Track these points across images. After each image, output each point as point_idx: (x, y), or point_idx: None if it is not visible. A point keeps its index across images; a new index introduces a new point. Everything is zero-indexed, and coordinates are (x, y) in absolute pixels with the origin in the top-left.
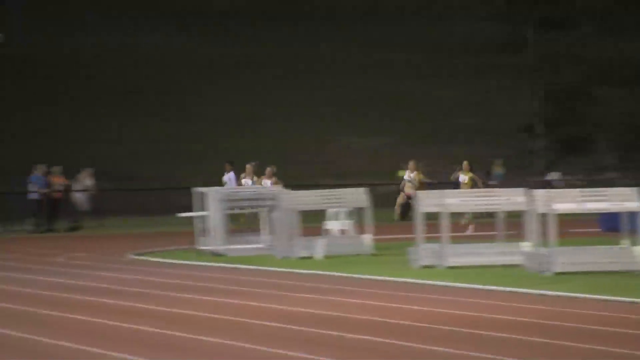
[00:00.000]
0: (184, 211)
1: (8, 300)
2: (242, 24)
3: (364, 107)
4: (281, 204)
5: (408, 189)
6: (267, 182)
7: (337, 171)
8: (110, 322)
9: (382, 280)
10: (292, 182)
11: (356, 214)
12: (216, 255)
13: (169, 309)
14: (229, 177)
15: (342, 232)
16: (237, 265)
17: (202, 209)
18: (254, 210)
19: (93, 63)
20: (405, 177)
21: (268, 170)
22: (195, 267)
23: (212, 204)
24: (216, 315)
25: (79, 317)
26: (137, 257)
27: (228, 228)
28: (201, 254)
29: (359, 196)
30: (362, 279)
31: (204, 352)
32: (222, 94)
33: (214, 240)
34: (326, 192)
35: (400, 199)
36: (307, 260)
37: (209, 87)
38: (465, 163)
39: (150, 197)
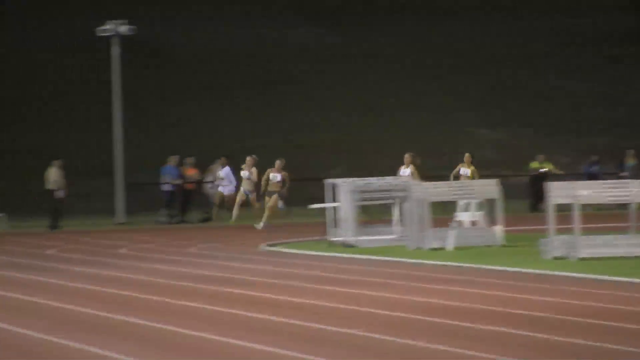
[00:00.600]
0: (316, 202)
1: (140, 290)
2: (374, 16)
3: (496, 99)
4: (412, 195)
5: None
6: (277, 175)
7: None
8: (240, 312)
9: (513, 272)
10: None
11: (487, 205)
12: (347, 247)
13: (300, 300)
14: (225, 171)
15: (473, 223)
16: (368, 256)
17: (334, 200)
18: (386, 201)
19: (225, 55)
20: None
21: (277, 163)
22: (327, 258)
23: (344, 195)
24: (347, 306)
25: (209, 307)
26: (269, 248)
27: (359, 219)
28: (332, 245)
29: (489, 187)
30: (493, 270)
31: (336, 343)
32: (354, 84)
33: (346, 231)
34: (457, 183)
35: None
36: (438, 251)
37: (342, 77)
38: (467, 155)
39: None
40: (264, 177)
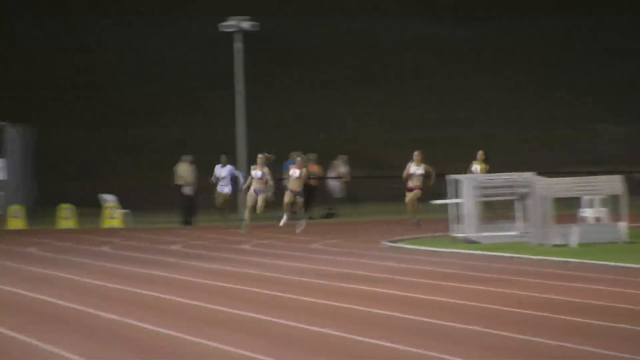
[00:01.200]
0: (438, 198)
1: (263, 285)
2: (487, 11)
3: (621, 94)
4: (535, 191)
5: None
6: (296, 171)
7: (592, 158)
8: (362, 308)
9: (637, 269)
10: (548, 169)
11: (611, 201)
12: (470, 243)
13: (421, 296)
14: (228, 169)
15: (597, 219)
16: (491, 252)
17: (456, 196)
18: (508, 197)
19: (347, 50)
20: None
21: (298, 160)
22: (449, 254)
23: (466, 191)
24: (468, 303)
25: (330, 303)
26: (391, 244)
27: (482, 215)
28: (455, 241)
29: (614, 183)
30: (617, 267)
31: (456, 339)
32: (478, 80)
33: (468, 227)
34: (581, 179)
35: None
36: (561, 247)
37: (465, 73)
38: (480, 153)
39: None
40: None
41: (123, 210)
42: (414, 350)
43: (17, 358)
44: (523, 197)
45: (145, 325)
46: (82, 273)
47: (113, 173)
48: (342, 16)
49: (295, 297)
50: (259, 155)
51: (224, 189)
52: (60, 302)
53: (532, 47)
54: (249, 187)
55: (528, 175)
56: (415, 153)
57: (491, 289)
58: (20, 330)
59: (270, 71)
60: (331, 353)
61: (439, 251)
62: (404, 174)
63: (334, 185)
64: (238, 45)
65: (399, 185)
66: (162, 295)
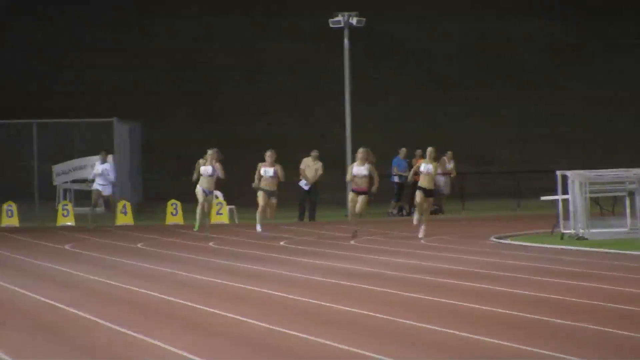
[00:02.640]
0: (545, 194)
1: (368, 281)
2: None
3: None
4: None
5: None
6: (269, 169)
7: None
8: (469, 305)
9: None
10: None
11: None
12: (578, 239)
13: (528, 292)
14: (104, 167)
15: None
16: (600, 249)
17: (564, 192)
18: (617, 194)
19: (454, 47)
20: None
21: (268, 155)
22: (557, 250)
23: (574, 187)
24: (578, 300)
25: (437, 299)
26: (498, 240)
27: (590, 211)
28: (563, 238)
29: None
30: None
31: (567, 336)
32: (590, 77)
33: (576, 223)
34: None
35: None
36: None
37: (575, 70)
38: (430, 150)
39: (509, 180)
40: (256, 173)
41: (229, 207)
42: (529, 348)
43: (127, 353)
44: (632, 193)
45: (253, 321)
46: (189, 269)
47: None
48: (453, 14)
49: (401, 293)
50: (209, 152)
51: (101, 187)
52: (169, 297)
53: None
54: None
55: (637, 171)
56: (360, 150)
57: (600, 285)
58: (129, 325)
59: (379, 68)
60: (444, 351)
61: (546, 247)
62: (348, 175)
63: (440, 181)
64: (346, 41)
65: (506, 182)
66: (270, 292)
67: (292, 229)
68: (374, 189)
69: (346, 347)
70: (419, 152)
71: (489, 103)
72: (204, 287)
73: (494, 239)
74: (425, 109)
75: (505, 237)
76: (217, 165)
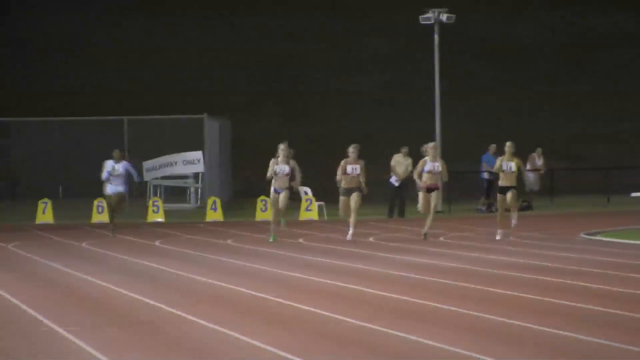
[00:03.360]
0: (636, 190)
1: (462, 278)
2: None
3: None
4: None
5: None
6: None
7: None
8: (560, 302)
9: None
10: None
11: None
12: None
13: (620, 289)
14: (122, 166)
15: None
16: None
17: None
18: None
19: (544, 44)
20: None
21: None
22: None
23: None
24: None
25: (529, 296)
26: (588, 236)
27: None
28: None
29: None
30: None
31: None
32: None
33: None
34: None
35: None
36: None
37: None
38: (509, 145)
39: (599, 176)
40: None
41: (318, 203)
42: (623, 346)
43: (220, 349)
44: None
45: (342, 317)
46: (279, 265)
47: (308, 166)
48: (544, 10)
49: (491, 289)
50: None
51: (118, 187)
52: (259, 294)
53: None
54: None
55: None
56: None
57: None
58: (221, 322)
59: (470, 65)
60: (536, 348)
61: (637, 244)
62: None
63: (530, 177)
64: (436, 38)
65: (595, 178)
66: (358, 287)
67: (381, 225)
68: (445, 178)
69: (434, 343)
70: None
71: (579, 99)
72: (294, 283)
73: (584, 235)
74: (515, 105)
75: (595, 234)
76: (293, 163)
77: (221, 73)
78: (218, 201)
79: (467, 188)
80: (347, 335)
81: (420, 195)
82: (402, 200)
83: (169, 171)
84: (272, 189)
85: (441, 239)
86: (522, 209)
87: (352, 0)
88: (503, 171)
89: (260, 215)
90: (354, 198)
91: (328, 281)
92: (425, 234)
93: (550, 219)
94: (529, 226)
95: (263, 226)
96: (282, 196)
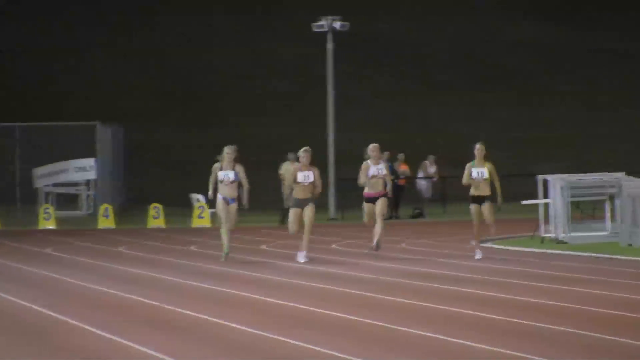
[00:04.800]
0: (527, 198)
1: (350, 285)
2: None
3: None
4: (624, 191)
5: None
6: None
7: None
8: (448, 308)
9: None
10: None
11: None
12: (559, 243)
13: (507, 296)
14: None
15: None
16: (580, 253)
17: (545, 197)
18: (597, 198)
19: (440, 51)
20: None
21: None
22: (537, 254)
23: (555, 191)
24: (555, 303)
25: (417, 302)
26: (479, 244)
27: (571, 215)
28: (544, 241)
29: None
30: None
31: (543, 338)
32: (577, 80)
33: (557, 227)
34: None
35: None
36: None
37: (563, 73)
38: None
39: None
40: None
41: (211, 210)
42: (502, 350)
43: (105, 356)
44: (612, 197)
45: (231, 324)
46: (170, 272)
47: (203, 173)
48: (444, 17)
49: (381, 296)
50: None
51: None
52: (148, 301)
53: (633, 46)
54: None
55: (617, 176)
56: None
57: (578, 289)
58: (109, 328)
59: (371, 72)
60: (419, 353)
61: (527, 251)
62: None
63: (423, 185)
64: (329, 45)
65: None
66: (250, 295)
67: (275, 232)
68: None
69: (321, 350)
70: (401, 156)
71: (474, 106)
72: (187, 290)
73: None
74: (414, 112)
75: (487, 241)
76: (240, 168)
77: (115, 79)
78: (110, 208)
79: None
80: (243, 343)
81: (364, 205)
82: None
83: (61, 178)
84: (219, 196)
85: (334, 246)
86: (413, 216)
87: (253, 5)
88: (473, 179)
89: (152, 222)
90: (308, 211)
91: (219, 288)
92: (377, 244)
93: (443, 227)
94: (421, 234)
95: (155, 234)
96: (233, 208)
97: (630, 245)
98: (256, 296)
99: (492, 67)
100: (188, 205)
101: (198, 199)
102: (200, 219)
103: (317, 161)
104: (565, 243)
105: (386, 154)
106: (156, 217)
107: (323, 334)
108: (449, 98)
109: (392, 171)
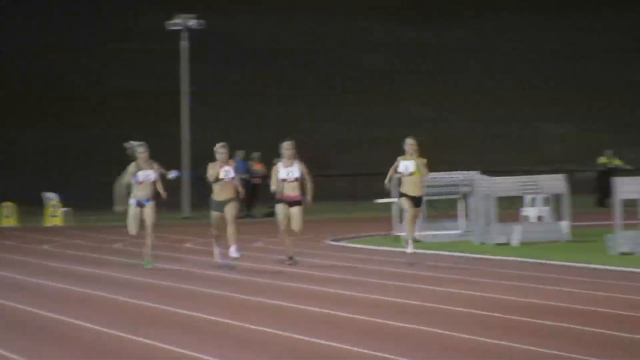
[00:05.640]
0: (383, 197)
1: (200, 284)
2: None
3: (566, 93)
4: (478, 190)
5: None
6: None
7: (537, 157)
8: (298, 306)
9: (578, 267)
10: (495, 168)
11: (553, 200)
12: (414, 242)
13: (359, 294)
14: None
15: (539, 218)
16: (433, 251)
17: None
18: (451, 196)
19: (297, 50)
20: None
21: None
22: (390, 253)
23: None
24: (407, 301)
25: (272, 301)
26: (334, 242)
27: (425, 214)
28: (397, 240)
29: (556, 182)
30: (558, 265)
31: (390, 336)
32: (426, 80)
33: None
34: (523, 178)
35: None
36: (503, 246)
37: (417, 72)
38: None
39: (347, 183)
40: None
41: (64, 209)
42: (356, 349)
43: None
44: (466, 195)
45: (86, 324)
46: (23, 271)
47: (57, 171)
48: (302, 16)
49: (233, 295)
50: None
51: None
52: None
53: (482, 46)
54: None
55: (471, 174)
56: (286, 145)
57: (432, 287)
58: None
59: (227, 71)
60: (274, 352)
61: (379, 250)
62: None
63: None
64: (184, 44)
65: (343, 185)
66: (106, 295)
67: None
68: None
69: (175, 349)
70: (256, 154)
71: (328, 106)
72: (36, 290)
73: (330, 241)
74: (270, 111)
75: (340, 239)
76: (156, 166)
77: None
78: None
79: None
80: (90, 341)
81: (279, 208)
82: None
83: None
84: (132, 200)
85: (188, 245)
86: (268, 214)
87: (104, 5)
88: (401, 173)
89: (4, 222)
90: (229, 209)
91: (69, 287)
92: (291, 258)
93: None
94: (275, 232)
95: (6, 232)
96: (149, 208)
97: (483, 243)
98: (110, 295)
99: (344, 65)
100: (42, 204)
101: (50, 197)
102: (53, 217)
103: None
104: (419, 242)
105: (241, 152)
106: (8, 216)
107: (178, 334)
108: (305, 97)
109: (247, 170)
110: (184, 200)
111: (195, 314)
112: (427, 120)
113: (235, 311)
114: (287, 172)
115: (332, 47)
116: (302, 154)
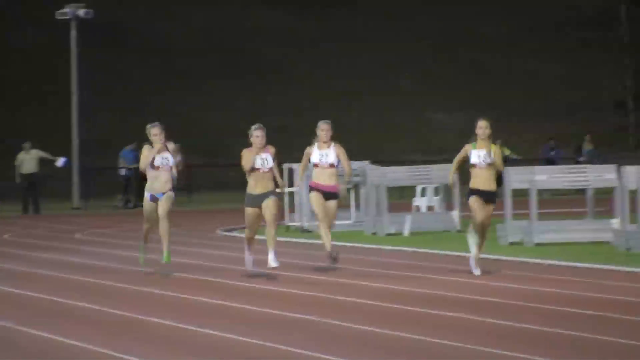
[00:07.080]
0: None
1: (96, 275)
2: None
3: (457, 82)
4: (369, 180)
5: None
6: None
7: (428, 147)
8: (193, 297)
9: (468, 257)
10: (385, 157)
11: (444, 190)
12: (304, 232)
13: (252, 285)
14: None
15: (430, 208)
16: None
17: (291, 185)
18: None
19: (189, 39)
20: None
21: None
22: (281, 243)
23: (300, 180)
24: (301, 292)
25: (165, 292)
26: (226, 233)
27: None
28: (289, 230)
29: (446, 172)
30: (449, 255)
31: (284, 326)
32: (324, 69)
33: (302, 216)
34: (414, 168)
35: None
36: (394, 236)
37: (313, 61)
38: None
39: (239, 172)
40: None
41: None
42: (248, 340)
43: None
44: (357, 185)
45: None
46: None
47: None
48: (184, 4)
49: (128, 286)
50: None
51: None
52: None
53: (371, 36)
54: None
55: (362, 164)
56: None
57: (324, 278)
58: None
59: (115, 59)
60: (167, 344)
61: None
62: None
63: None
64: (73, 33)
65: (235, 174)
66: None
67: (18, 222)
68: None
69: (67, 340)
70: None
71: (225, 94)
72: None
73: (222, 232)
74: (158, 100)
75: (232, 230)
76: (174, 149)
77: None
78: None
79: (106, 184)
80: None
81: (313, 197)
82: (35, 196)
83: None
84: (146, 194)
85: (78, 235)
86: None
87: None
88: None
89: None
90: (268, 207)
91: None
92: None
93: (189, 216)
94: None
95: None
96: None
97: (374, 233)
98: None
99: (239, 54)
100: None
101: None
102: None
103: (63, 149)
104: (310, 232)
105: (134, 144)
106: None
107: (69, 324)
108: (194, 85)
109: (137, 160)
110: (74, 190)
111: (76, 303)
112: (316, 109)
113: (114, 300)
114: (321, 155)
115: (223, 36)
116: (193, 143)
